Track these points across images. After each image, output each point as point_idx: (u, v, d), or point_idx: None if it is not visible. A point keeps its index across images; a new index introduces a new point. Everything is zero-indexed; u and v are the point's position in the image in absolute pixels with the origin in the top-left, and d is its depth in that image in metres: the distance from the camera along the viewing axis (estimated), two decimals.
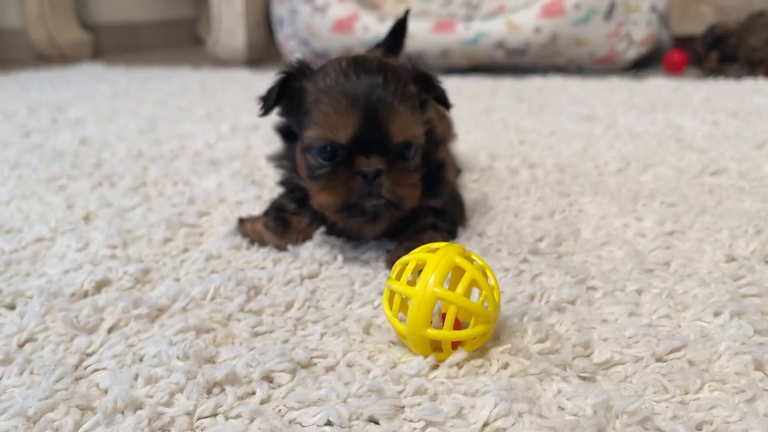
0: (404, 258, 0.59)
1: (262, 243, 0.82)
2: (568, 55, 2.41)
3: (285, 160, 0.84)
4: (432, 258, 0.56)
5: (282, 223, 0.82)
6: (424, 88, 0.77)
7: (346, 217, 0.75)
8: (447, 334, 0.54)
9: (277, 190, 0.90)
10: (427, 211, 0.81)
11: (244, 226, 0.84)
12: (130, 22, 3.78)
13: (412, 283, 0.57)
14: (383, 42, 1.10)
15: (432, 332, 0.54)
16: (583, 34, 2.35)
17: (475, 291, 0.61)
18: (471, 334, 0.55)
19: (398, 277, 0.58)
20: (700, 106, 1.67)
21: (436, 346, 0.56)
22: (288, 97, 0.77)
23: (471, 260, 0.58)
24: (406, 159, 0.73)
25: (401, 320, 0.57)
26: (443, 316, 0.56)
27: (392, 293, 0.58)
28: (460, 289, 0.54)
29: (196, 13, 4.19)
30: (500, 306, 0.58)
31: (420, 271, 0.56)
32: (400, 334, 0.57)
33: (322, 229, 0.82)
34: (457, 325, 0.57)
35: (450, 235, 0.83)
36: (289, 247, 0.80)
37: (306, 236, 0.82)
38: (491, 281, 0.57)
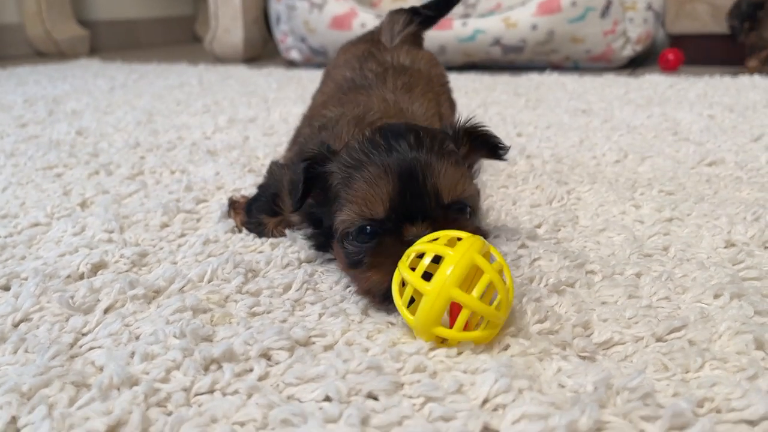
0: (421, 246, 0.56)
1: (259, 232, 0.81)
2: (565, 52, 2.41)
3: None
4: (451, 256, 0.53)
5: (258, 227, 0.80)
6: (471, 144, 0.70)
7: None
8: (456, 334, 0.53)
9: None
10: None
11: (232, 210, 0.84)
12: (128, 19, 3.77)
13: (426, 276, 0.54)
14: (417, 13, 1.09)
15: (441, 330, 0.53)
16: (579, 32, 2.35)
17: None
18: (480, 337, 0.54)
19: (412, 266, 0.55)
20: (697, 101, 1.67)
21: (442, 340, 0.55)
22: (315, 185, 0.68)
23: (490, 258, 0.56)
24: (459, 218, 0.63)
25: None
26: (453, 310, 0.54)
27: (404, 281, 0.56)
28: (476, 291, 0.52)
29: (194, 11, 4.18)
30: (512, 303, 0.57)
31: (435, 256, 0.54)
32: (407, 320, 0.56)
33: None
34: (467, 324, 0.55)
35: None
36: (287, 231, 0.80)
37: (281, 233, 0.80)
38: (507, 280, 0.55)
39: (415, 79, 0.95)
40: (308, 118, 0.94)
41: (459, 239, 0.56)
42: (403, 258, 0.57)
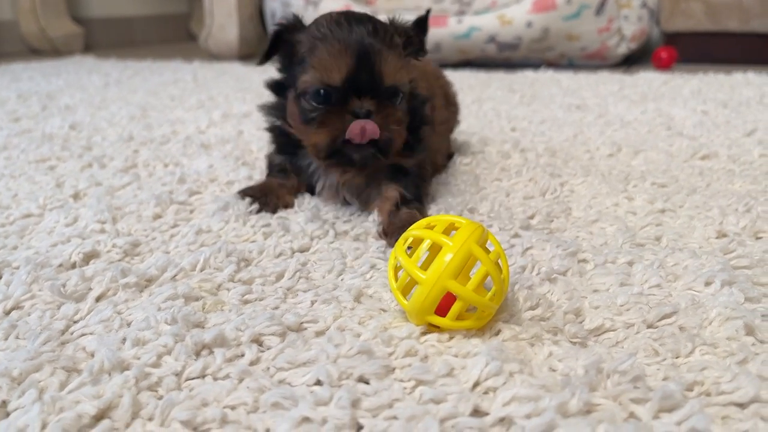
0: (419, 232, 0.56)
1: (276, 192, 0.87)
2: (560, 49, 2.42)
3: (275, 110, 0.89)
4: (448, 246, 0.53)
5: (285, 174, 0.90)
6: (407, 42, 0.82)
7: (333, 164, 0.80)
8: (450, 323, 0.53)
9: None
10: (391, 180, 0.83)
11: (253, 187, 0.89)
12: (123, 16, 3.76)
13: (422, 265, 0.55)
14: None
15: (435, 319, 0.54)
16: (574, 29, 2.35)
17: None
18: (473, 326, 0.54)
19: (408, 252, 0.55)
20: (690, 97, 1.68)
21: (435, 326, 0.55)
22: (283, 50, 0.82)
23: (488, 246, 0.56)
24: (393, 103, 0.78)
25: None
26: (447, 298, 0.54)
27: (399, 267, 0.56)
28: (471, 283, 0.52)
29: (189, 8, 4.17)
30: (507, 292, 0.57)
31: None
32: (402, 305, 0.56)
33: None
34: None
35: (419, 206, 0.83)
36: (280, 221, 0.80)
37: (295, 189, 0.90)
38: (503, 269, 0.55)
39: None
40: None
41: (457, 227, 0.56)
42: (400, 241, 0.57)
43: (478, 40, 2.41)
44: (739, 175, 1.00)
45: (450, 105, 1.09)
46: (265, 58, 0.82)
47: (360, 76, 0.74)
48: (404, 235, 0.57)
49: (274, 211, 0.85)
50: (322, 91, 0.76)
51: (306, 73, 0.76)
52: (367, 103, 0.75)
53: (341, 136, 0.75)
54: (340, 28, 0.75)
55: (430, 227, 0.57)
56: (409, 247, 0.57)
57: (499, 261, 0.56)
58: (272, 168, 0.92)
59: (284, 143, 0.89)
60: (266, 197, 0.86)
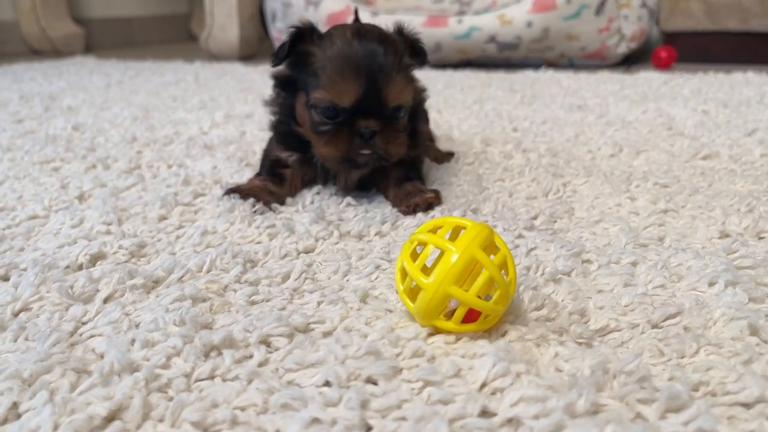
0: (424, 236, 0.56)
1: (262, 198, 0.87)
2: (560, 49, 2.42)
3: (279, 106, 0.93)
4: (450, 251, 0.52)
5: (279, 176, 0.92)
6: (414, 54, 0.87)
7: (341, 168, 0.88)
8: (455, 327, 0.54)
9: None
10: (397, 164, 0.90)
11: (240, 187, 0.90)
12: (123, 17, 3.76)
13: (426, 270, 0.55)
14: None
15: (440, 323, 0.54)
16: (574, 29, 2.36)
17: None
18: (478, 329, 0.55)
19: (413, 257, 0.56)
20: (691, 96, 1.68)
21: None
22: (296, 54, 0.85)
23: (495, 248, 0.56)
24: (397, 120, 0.83)
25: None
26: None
27: (405, 271, 0.56)
28: (474, 288, 0.52)
29: (189, 8, 4.18)
30: (513, 294, 0.57)
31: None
32: (408, 307, 0.56)
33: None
34: (469, 315, 0.54)
35: (421, 182, 0.92)
36: (285, 222, 0.80)
37: (297, 189, 0.93)
38: (509, 272, 0.55)
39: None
40: None
41: (463, 229, 0.56)
42: (406, 244, 0.57)
43: (479, 40, 2.41)
44: (740, 175, 1.00)
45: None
46: (279, 60, 0.85)
47: (368, 101, 0.80)
48: (410, 238, 0.57)
49: (268, 205, 0.87)
50: (332, 108, 0.81)
51: (318, 89, 0.81)
52: (372, 123, 0.81)
53: (348, 153, 0.82)
54: (351, 48, 0.80)
55: (436, 229, 0.57)
56: (420, 246, 0.57)
57: (506, 262, 0.56)
58: (265, 167, 0.95)
59: (291, 140, 0.91)
60: (260, 196, 0.88)
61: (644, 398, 0.46)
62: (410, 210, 0.85)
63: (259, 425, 0.44)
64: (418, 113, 0.96)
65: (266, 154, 0.97)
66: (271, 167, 0.93)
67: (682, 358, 0.52)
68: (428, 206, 0.86)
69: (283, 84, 0.91)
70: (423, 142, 1.01)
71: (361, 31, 0.82)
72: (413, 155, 0.93)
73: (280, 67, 0.89)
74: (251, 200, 0.85)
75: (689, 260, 0.69)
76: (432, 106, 1.64)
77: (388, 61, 0.80)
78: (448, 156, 1.12)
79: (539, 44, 2.40)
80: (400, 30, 0.87)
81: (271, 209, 0.86)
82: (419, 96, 0.97)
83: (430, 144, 1.13)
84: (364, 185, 0.94)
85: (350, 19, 0.96)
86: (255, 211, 0.84)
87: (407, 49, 0.86)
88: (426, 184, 0.94)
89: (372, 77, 0.79)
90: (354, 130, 0.81)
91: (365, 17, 2.44)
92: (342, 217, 0.84)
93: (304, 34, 0.84)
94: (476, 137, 1.27)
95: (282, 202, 0.89)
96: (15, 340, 0.55)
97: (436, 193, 0.89)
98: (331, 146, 0.82)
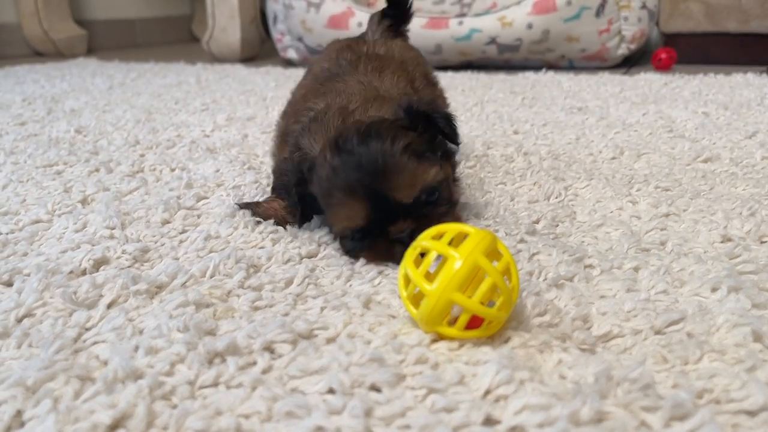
0: (427, 243, 0.56)
1: (283, 222, 0.82)
2: (560, 51, 2.42)
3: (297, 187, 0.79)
4: (454, 258, 0.53)
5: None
6: (426, 125, 0.76)
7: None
8: (458, 333, 0.54)
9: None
10: None
11: (259, 207, 0.84)
12: (125, 19, 3.77)
13: (429, 276, 0.55)
14: (386, 15, 1.16)
15: (443, 330, 0.54)
16: (574, 31, 2.36)
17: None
18: (481, 336, 0.55)
19: (416, 263, 0.56)
20: (691, 98, 1.68)
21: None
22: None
23: (498, 255, 0.56)
24: (433, 203, 0.71)
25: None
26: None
27: (408, 277, 0.56)
28: (478, 295, 0.52)
29: (191, 10, 4.18)
30: (516, 301, 0.57)
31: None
32: (411, 314, 0.56)
33: None
34: (472, 321, 0.55)
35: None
36: (288, 227, 0.80)
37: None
38: (512, 278, 0.55)
39: (386, 62, 0.98)
40: (293, 114, 0.94)
41: (466, 235, 0.56)
42: (410, 251, 0.57)
43: (479, 41, 2.41)
44: (742, 178, 1.00)
45: (430, 84, 1.08)
46: (302, 219, 0.81)
47: (382, 207, 0.69)
48: (413, 244, 0.57)
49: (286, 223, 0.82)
50: (354, 235, 0.72)
51: (333, 225, 0.74)
52: (405, 224, 0.69)
53: (393, 259, 0.70)
54: (335, 173, 0.69)
55: (439, 236, 0.57)
56: (422, 254, 0.57)
57: (509, 269, 0.56)
58: (279, 189, 0.85)
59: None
60: (279, 218, 0.83)
61: (648, 406, 0.46)
62: None
63: None
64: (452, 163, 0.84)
65: (278, 175, 0.87)
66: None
67: (685, 364, 0.52)
68: None
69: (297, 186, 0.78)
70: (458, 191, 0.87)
71: (338, 142, 0.71)
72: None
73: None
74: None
75: (691, 265, 0.69)
76: None
77: (379, 159, 0.68)
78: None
79: (539, 46, 2.40)
80: (409, 108, 0.76)
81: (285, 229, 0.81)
82: (440, 115, 0.79)
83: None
84: None
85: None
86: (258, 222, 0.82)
87: (417, 129, 0.74)
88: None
89: (370, 186, 0.68)
90: (389, 239, 0.70)
91: (366, 19, 2.44)
92: None
93: (299, 184, 0.76)
94: (477, 140, 1.27)
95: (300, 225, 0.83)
96: (18, 347, 0.55)
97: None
98: (372, 256, 0.72)
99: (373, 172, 0.68)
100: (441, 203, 0.73)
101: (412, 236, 0.64)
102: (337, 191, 0.70)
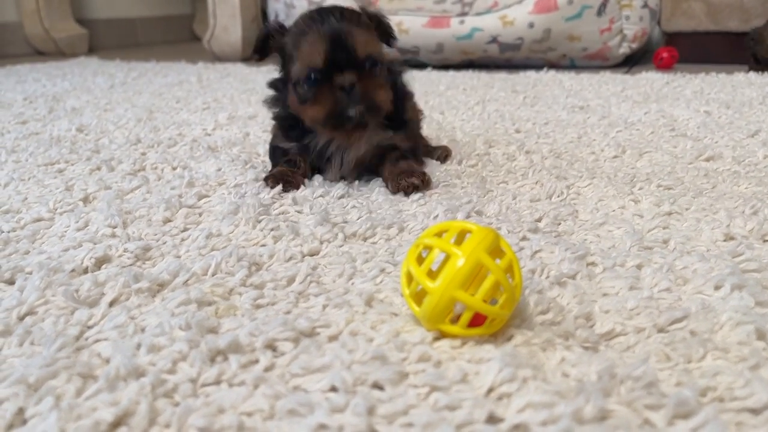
0: (429, 240, 0.56)
1: (294, 179, 0.97)
2: (561, 50, 2.42)
3: (278, 101, 1.02)
4: (456, 255, 0.53)
5: (292, 163, 1.00)
6: (381, 32, 0.96)
7: (334, 128, 0.92)
8: (460, 331, 0.54)
9: None
10: (394, 149, 0.99)
11: (273, 175, 0.98)
12: (126, 18, 3.77)
13: (432, 274, 0.55)
14: None
15: (446, 328, 0.54)
16: (576, 30, 2.36)
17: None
18: (484, 333, 0.54)
19: (419, 261, 0.56)
20: (693, 97, 1.68)
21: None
22: (278, 54, 0.97)
23: (501, 252, 0.56)
24: (374, 73, 0.90)
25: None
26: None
27: (411, 275, 0.56)
28: (480, 292, 0.52)
29: (192, 9, 4.18)
30: (519, 298, 0.57)
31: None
32: (414, 311, 0.56)
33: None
34: (475, 319, 0.54)
35: (416, 162, 1.02)
36: (289, 224, 0.80)
37: (307, 172, 1.01)
38: (515, 276, 0.55)
39: None
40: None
41: (469, 233, 0.56)
42: (412, 248, 0.57)
43: (480, 40, 2.41)
44: (744, 176, 1.00)
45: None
46: (253, 53, 0.98)
47: (337, 55, 0.87)
48: (416, 242, 0.57)
49: (297, 187, 0.96)
50: (311, 75, 0.89)
51: (295, 65, 0.91)
52: (350, 76, 0.88)
53: (334, 108, 0.89)
54: (313, 22, 0.90)
55: (442, 233, 0.57)
56: (426, 250, 0.57)
57: (512, 266, 0.56)
58: (276, 156, 1.03)
59: (291, 130, 1.00)
60: (287, 178, 0.96)
61: (652, 404, 0.46)
62: (398, 190, 0.93)
63: (266, 431, 0.44)
64: (397, 83, 1.01)
65: (272, 149, 1.05)
66: (282, 156, 1.01)
67: (689, 363, 0.52)
68: (415, 188, 0.93)
69: (276, 86, 1.00)
70: (412, 108, 1.08)
71: (320, 8, 0.92)
72: (404, 146, 1.00)
73: (276, 75, 1.00)
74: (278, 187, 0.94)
75: (694, 263, 0.69)
76: (434, 107, 1.65)
77: (346, 20, 0.89)
78: (441, 151, 1.13)
79: (541, 45, 2.40)
80: (362, 9, 0.96)
81: (296, 188, 0.96)
82: (392, 66, 1.01)
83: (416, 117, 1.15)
84: (364, 177, 0.99)
85: None
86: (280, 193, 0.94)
87: (370, 20, 0.94)
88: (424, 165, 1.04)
89: (335, 34, 0.87)
90: (334, 86, 0.88)
91: None
92: (346, 219, 0.84)
93: (270, 33, 0.95)
94: (479, 139, 1.27)
95: (301, 184, 0.98)
96: (21, 345, 0.55)
97: (424, 175, 0.96)
98: (317, 106, 0.90)
99: (339, 28, 0.88)
100: (379, 74, 0.91)
101: (351, 89, 0.88)
102: (310, 33, 0.89)
